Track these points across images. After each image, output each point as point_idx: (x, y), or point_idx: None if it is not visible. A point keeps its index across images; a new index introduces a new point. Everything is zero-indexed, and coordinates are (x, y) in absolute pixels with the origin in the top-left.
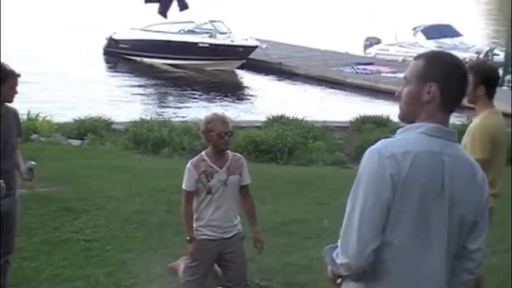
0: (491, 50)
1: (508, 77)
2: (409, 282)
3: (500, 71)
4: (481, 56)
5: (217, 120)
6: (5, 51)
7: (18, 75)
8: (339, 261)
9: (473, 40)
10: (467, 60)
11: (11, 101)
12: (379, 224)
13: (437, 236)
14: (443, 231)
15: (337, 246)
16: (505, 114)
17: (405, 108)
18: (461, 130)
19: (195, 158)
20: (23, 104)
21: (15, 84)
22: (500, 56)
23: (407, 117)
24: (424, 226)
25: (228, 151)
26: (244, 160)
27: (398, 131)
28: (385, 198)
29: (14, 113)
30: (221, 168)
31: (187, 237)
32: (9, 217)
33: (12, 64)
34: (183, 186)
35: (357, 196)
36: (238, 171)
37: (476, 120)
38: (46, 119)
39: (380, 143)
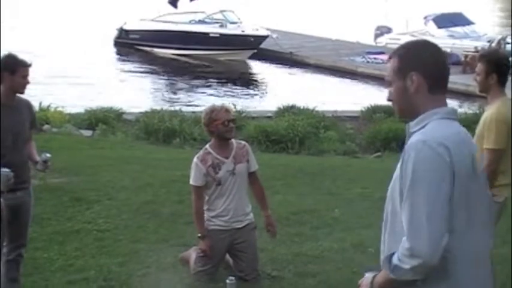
0: (504, 38)
1: None
2: (472, 266)
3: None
4: (493, 44)
5: (220, 109)
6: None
7: (29, 65)
8: (407, 265)
9: (484, 28)
10: (479, 48)
11: (22, 92)
12: (446, 214)
13: (482, 214)
14: (486, 208)
15: (390, 255)
16: None
17: (399, 106)
18: (474, 120)
19: (201, 153)
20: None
21: (27, 74)
22: None
23: (406, 113)
24: (473, 207)
25: (233, 140)
26: (249, 147)
27: (412, 124)
28: (448, 187)
29: (27, 105)
30: (227, 158)
31: (199, 235)
32: (22, 210)
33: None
34: (191, 182)
35: (417, 193)
36: (245, 158)
37: (491, 110)
38: (57, 109)
39: (418, 137)
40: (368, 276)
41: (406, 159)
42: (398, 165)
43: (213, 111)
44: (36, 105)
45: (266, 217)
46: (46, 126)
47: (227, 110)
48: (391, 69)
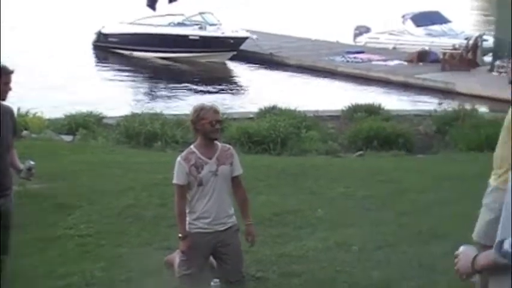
0: (481, 35)
1: (497, 63)
2: None
3: (490, 57)
4: (471, 42)
5: (209, 109)
6: None
7: (11, 72)
8: None
9: (462, 26)
10: (457, 46)
11: (4, 99)
12: None
13: None
14: None
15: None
16: (494, 99)
17: None
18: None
19: (185, 152)
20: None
21: (9, 81)
22: (489, 41)
23: None
24: None
25: (218, 142)
26: (234, 151)
27: None
28: None
29: (9, 112)
30: (210, 159)
31: (180, 235)
32: (5, 217)
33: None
34: (174, 181)
35: None
36: (229, 161)
37: None
38: (37, 115)
39: None
40: (469, 253)
41: None
42: None
43: (201, 109)
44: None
45: (247, 225)
46: (25, 132)
47: (216, 111)
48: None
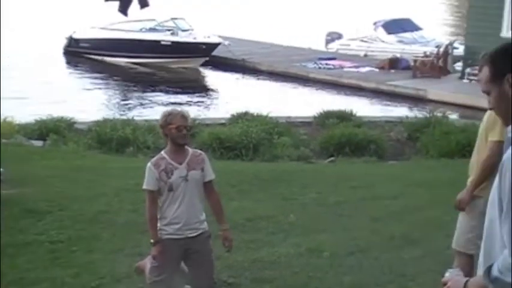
0: (451, 43)
1: (467, 70)
2: None
3: (460, 65)
4: (441, 49)
5: (176, 114)
6: None
7: None
8: (509, 278)
9: (433, 34)
10: (427, 53)
11: None
12: None
13: None
14: None
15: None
16: (465, 106)
17: (504, 113)
18: (425, 124)
19: (155, 157)
20: None
21: None
22: (459, 49)
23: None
24: None
25: (188, 148)
26: (206, 156)
27: (509, 129)
28: None
29: None
30: (181, 164)
31: (151, 240)
32: None
33: None
34: (144, 186)
35: None
36: (200, 166)
37: None
38: (7, 120)
39: None
40: (459, 280)
41: (504, 172)
42: (498, 174)
43: (169, 114)
44: None
45: (223, 231)
46: None
47: (183, 116)
48: (485, 79)
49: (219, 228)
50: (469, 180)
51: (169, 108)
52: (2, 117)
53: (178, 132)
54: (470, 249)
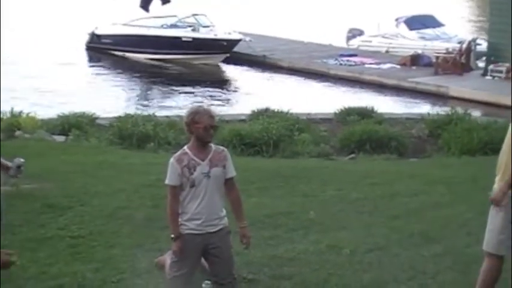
0: (474, 39)
1: (490, 67)
2: None
3: (483, 61)
4: (464, 45)
5: (204, 113)
6: None
7: None
8: None
9: (455, 30)
10: (450, 49)
11: None
12: None
13: None
14: None
15: None
16: (487, 103)
17: None
18: (446, 121)
19: (178, 153)
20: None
21: None
22: (482, 45)
23: None
24: None
25: (211, 144)
26: (228, 153)
27: None
28: None
29: None
30: (203, 160)
31: (172, 235)
32: None
33: None
34: (167, 182)
35: None
36: (222, 163)
37: None
38: (30, 115)
39: None
40: None
41: None
42: None
43: (197, 113)
44: (8, 111)
45: (241, 228)
46: (18, 132)
47: (211, 116)
48: None
49: (238, 225)
50: (497, 178)
51: (195, 105)
52: (25, 112)
53: (204, 132)
54: (501, 251)
